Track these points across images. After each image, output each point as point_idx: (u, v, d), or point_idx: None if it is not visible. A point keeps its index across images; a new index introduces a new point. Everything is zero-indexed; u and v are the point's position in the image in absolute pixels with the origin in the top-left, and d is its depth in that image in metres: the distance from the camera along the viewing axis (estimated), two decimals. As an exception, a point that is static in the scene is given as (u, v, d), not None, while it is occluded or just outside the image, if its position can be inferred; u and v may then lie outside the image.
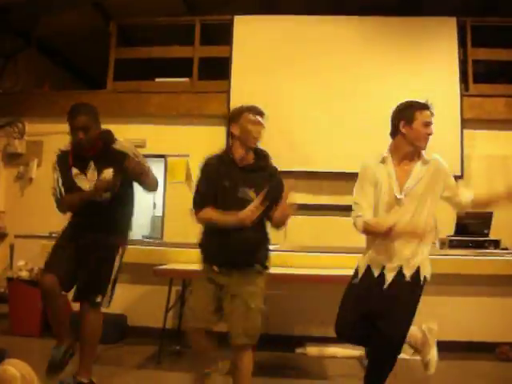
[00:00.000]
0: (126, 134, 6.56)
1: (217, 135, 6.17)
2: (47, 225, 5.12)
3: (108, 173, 3.26)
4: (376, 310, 2.85)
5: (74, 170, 3.29)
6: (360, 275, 3.04)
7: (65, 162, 3.32)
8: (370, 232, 2.95)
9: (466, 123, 6.04)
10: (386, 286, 2.87)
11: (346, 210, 5.76)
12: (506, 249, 5.13)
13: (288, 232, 5.51)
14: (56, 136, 6.05)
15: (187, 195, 6.23)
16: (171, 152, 6.38)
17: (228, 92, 6.27)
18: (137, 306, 4.90)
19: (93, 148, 3.29)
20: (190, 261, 4.43)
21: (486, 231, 5.16)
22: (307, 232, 5.72)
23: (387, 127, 5.70)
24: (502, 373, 4.11)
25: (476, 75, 6.44)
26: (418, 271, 2.89)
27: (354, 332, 3.00)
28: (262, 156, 3.09)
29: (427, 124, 2.93)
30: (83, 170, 3.28)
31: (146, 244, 5.23)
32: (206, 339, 2.96)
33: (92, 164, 3.29)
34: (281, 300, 4.77)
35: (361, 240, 5.48)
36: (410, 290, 2.88)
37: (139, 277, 4.77)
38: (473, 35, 6.44)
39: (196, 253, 4.54)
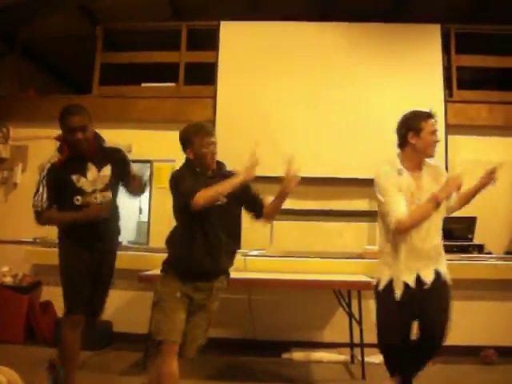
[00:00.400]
0: (111, 138, 6.57)
1: (204, 140, 6.16)
2: (31, 230, 5.06)
3: (107, 170, 3.27)
4: (420, 314, 2.99)
5: (75, 177, 3.19)
6: (396, 288, 3.04)
7: (59, 172, 3.19)
8: (417, 219, 2.94)
9: (450, 129, 6.10)
10: (426, 289, 2.98)
11: (331, 215, 5.87)
12: (490, 253, 5.19)
13: (274, 237, 5.54)
14: (41, 141, 6.02)
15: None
16: (157, 157, 6.35)
17: (214, 97, 6.27)
18: (122, 312, 4.88)
19: (90, 148, 3.24)
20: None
21: (469, 236, 5.22)
22: (293, 237, 5.72)
23: (373, 133, 5.80)
24: (486, 376, 4.15)
25: (462, 82, 6.52)
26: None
27: (404, 344, 3.07)
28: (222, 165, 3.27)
29: (434, 132, 3.03)
30: (82, 172, 3.21)
31: (131, 249, 5.21)
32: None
33: (90, 165, 3.24)
34: (267, 305, 4.78)
35: (345, 245, 5.56)
36: (446, 288, 3.06)
37: (125, 283, 4.74)
38: (457, 42, 6.52)
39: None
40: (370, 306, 4.30)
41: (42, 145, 6.55)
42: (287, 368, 4.37)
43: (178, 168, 3.12)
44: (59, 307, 4.78)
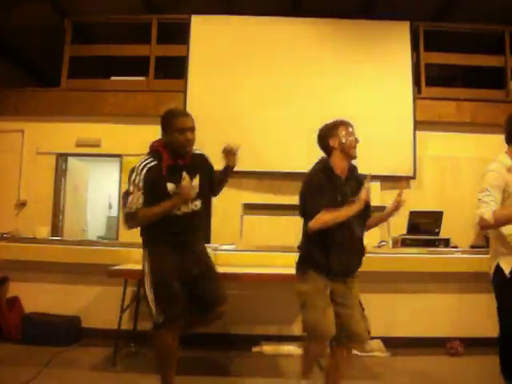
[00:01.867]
0: (80, 133, 6.52)
1: (173, 135, 6.14)
2: (-2, 225, 5.01)
3: (198, 180, 3.17)
4: None
5: (170, 186, 3.05)
6: None
7: (155, 178, 3.03)
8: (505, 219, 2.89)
9: (418, 125, 6.19)
10: None
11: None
12: (456, 247, 5.29)
13: (244, 232, 5.55)
14: (8, 134, 5.92)
15: (143, 195, 6.25)
16: (127, 151, 6.30)
17: (185, 91, 6.24)
18: (91, 308, 4.82)
19: (188, 155, 3.15)
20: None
21: (436, 230, 5.30)
22: (264, 231, 5.75)
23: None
24: (452, 367, 4.23)
25: (430, 79, 6.62)
26: None
27: None
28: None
29: None
30: (177, 182, 3.06)
31: (100, 244, 5.15)
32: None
33: (185, 174, 3.09)
34: (238, 299, 4.77)
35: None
36: None
37: (94, 278, 4.69)
38: (426, 39, 6.62)
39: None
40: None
41: (10, 137, 6.46)
42: (257, 361, 4.38)
43: (311, 171, 3.06)
44: (26, 303, 4.74)
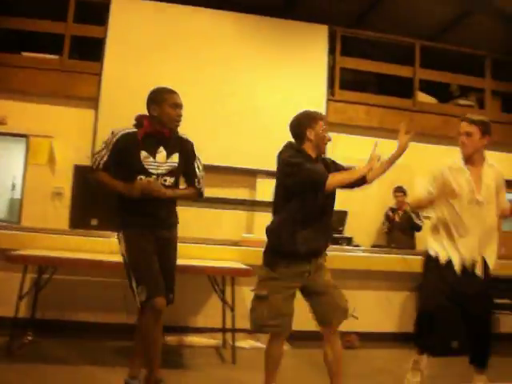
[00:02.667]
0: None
1: (85, 118, 5.98)
2: None
3: (175, 158, 3.17)
4: (468, 298, 3.28)
5: (143, 154, 3.07)
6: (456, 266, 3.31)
7: (130, 144, 3.08)
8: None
9: (329, 126, 6.37)
10: (476, 276, 3.31)
11: (211, 202, 5.93)
12: (358, 246, 5.53)
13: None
14: None
15: (49, 178, 6.04)
16: (34, 132, 6.05)
17: (100, 74, 6.06)
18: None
19: (168, 131, 3.17)
20: (48, 247, 4.27)
21: (340, 228, 5.52)
22: (196, 224, 5.71)
23: (258, 124, 5.88)
24: (349, 360, 4.42)
25: (345, 82, 6.85)
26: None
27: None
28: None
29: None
30: (152, 153, 3.10)
31: (0, 228, 4.91)
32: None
33: (162, 148, 3.14)
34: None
35: (224, 232, 5.62)
36: (489, 277, 3.39)
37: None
38: (343, 44, 6.84)
39: (55, 238, 4.42)
40: (243, 292, 4.43)
41: None
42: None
43: (287, 154, 2.99)
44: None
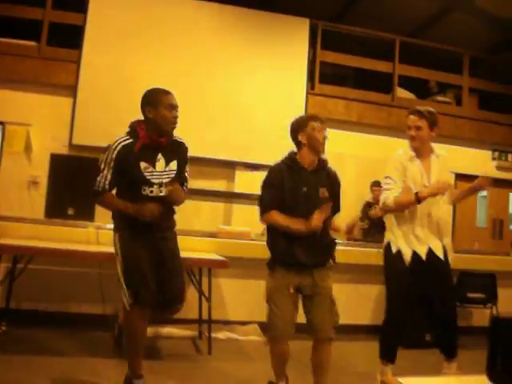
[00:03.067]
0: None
1: (63, 106, 5.91)
2: None
3: (174, 165, 3.10)
4: (430, 291, 3.34)
5: (143, 165, 2.99)
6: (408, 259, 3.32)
7: (128, 156, 2.97)
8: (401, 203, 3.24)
9: (308, 120, 6.43)
10: (434, 266, 3.30)
11: (190, 193, 5.91)
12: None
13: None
14: None
15: (25, 166, 5.96)
16: (11, 119, 5.96)
17: (78, 62, 5.99)
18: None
19: (166, 137, 3.07)
20: (24, 236, 4.23)
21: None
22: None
23: (237, 116, 5.88)
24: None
25: (325, 76, 6.88)
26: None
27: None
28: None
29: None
30: (152, 162, 3.02)
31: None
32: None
33: (160, 156, 3.06)
34: (116, 280, 4.71)
35: (201, 223, 5.62)
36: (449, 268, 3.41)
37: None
38: (323, 38, 6.86)
39: (31, 227, 4.37)
40: (219, 284, 4.45)
41: None
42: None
43: (275, 163, 3.06)
44: None
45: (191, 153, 5.69)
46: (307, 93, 6.56)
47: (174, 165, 3.12)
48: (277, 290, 2.95)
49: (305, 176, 2.99)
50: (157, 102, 3.06)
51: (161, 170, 3.05)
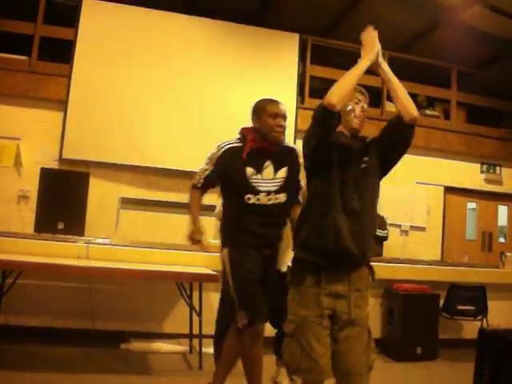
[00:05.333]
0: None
1: (53, 120, 5.90)
2: None
3: (283, 172, 3.01)
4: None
5: (249, 170, 2.94)
6: None
7: (235, 159, 2.95)
8: None
9: (299, 134, 6.45)
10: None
11: (180, 207, 5.91)
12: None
13: (120, 226, 5.46)
14: None
15: (15, 181, 5.94)
16: (1, 133, 5.94)
17: (69, 77, 6.00)
18: None
19: (274, 144, 3.02)
20: (13, 251, 4.20)
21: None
22: (140, 227, 5.69)
23: (226, 129, 5.88)
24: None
25: (315, 90, 6.92)
26: None
27: None
28: None
29: None
30: (258, 168, 2.96)
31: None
32: None
33: (269, 163, 2.99)
34: (108, 295, 4.70)
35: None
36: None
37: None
38: (313, 53, 6.92)
39: (21, 242, 4.35)
40: (210, 298, 4.43)
41: None
42: (125, 359, 4.34)
43: None
44: None
45: (184, 167, 5.76)
46: (297, 107, 6.60)
47: (283, 172, 3.04)
48: (308, 319, 2.30)
49: None
50: (261, 111, 3.04)
51: (269, 177, 2.99)
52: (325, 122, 2.28)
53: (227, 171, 2.97)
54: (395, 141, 2.40)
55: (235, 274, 2.94)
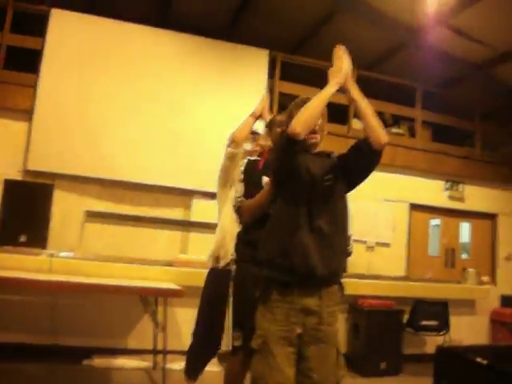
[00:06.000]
0: None
1: (18, 131, 5.79)
2: None
3: None
4: None
5: (265, 179, 2.93)
6: None
7: (253, 171, 3.02)
8: None
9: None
10: None
11: (146, 221, 5.88)
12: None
13: (85, 239, 5.38)
14: None
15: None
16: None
17: (35, 87, 5.91)
18: None
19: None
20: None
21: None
22: (105, 241, 5.61)
23: (195, 144, 5.93)
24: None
25: (285, 107, 6.96)
26: None
27: None
28: None
29: None
30: None
31: None
32: None
33: None
34: (71, 310, 4.62)
35: (158, 252, 5.59)
36: None
37: None
38: (283, 69, 6.98)
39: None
40: (175, 313, 4.40)
41: None
42: (88, 375, 4.27)
43: None
44: None
45: (149, 181, 5.72)
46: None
47: None
48: (276, 334, 2.29)
49: None
50: (270, 125, 3.21)
51: None
52: (288, 149, 2.32)
53: (249, 182, 3.00)
54: (362, 163, 2.44)
55: (235, 294, 2.95)
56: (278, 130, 2.99)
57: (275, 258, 2.32)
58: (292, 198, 2.37)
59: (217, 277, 3.40)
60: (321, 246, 2.30)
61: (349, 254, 3.45)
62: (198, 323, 3.52)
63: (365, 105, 2.44)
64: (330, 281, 2.37)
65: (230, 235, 3.29)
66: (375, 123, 2.40)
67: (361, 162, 2.43)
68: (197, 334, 3.51)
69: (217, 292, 3.31)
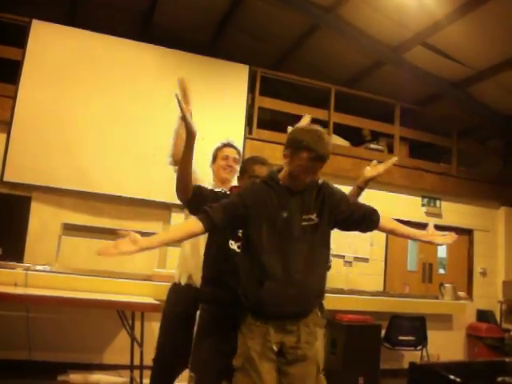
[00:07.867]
0: None
1: (-4, 142, 5.74)
2: None
3: None
4: None
5: None
6: None
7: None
8: None
9: (247, 164, 6.51)
10: None
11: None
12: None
13: (61, 253, 5.33)
14: None
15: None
16: None
17: (14, 98, 5.86)
18: None
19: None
20: None
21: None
22: (82, 254, 5.54)
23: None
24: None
25: (264, 122, 7.03)
26: None
27: None
28: None
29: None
30: None
31: None
32: None
33: None
34: (46, 324, 4.55)
35: (136, 266, 5.56)
36: None
37: None
38: (262, 85, 7.04)
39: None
40: (153, 328, 4.36)
41: None
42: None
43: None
44: None
45: (127, 194, 5.70)
46: (245, 137, 6.67)
47: None
48: (256, 350, 2.31)
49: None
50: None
51: None
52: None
53: None
54: (361, 229, 2.64)
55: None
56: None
57: (252, 298, 2.36)
58: (261, 245, 2.33)
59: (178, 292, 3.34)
60: (296, 294, 2.32)
61: (328, 268, 3.48)
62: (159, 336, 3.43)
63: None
64: (307, 313, 2.41)
65: (191, 260, 3.31)
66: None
67: (361, 228, 2.61)
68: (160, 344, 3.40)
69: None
